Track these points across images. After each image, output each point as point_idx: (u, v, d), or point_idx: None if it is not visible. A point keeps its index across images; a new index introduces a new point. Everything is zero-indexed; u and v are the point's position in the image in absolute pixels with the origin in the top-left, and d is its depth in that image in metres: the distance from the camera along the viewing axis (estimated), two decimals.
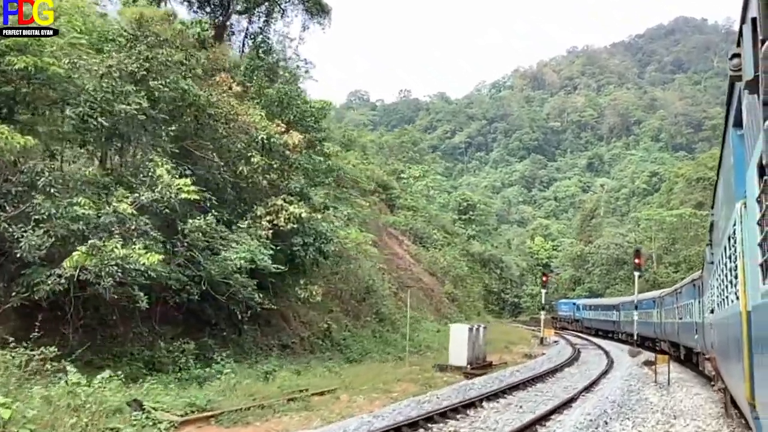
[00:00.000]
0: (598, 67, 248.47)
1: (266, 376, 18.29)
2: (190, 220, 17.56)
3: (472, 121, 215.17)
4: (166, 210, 16.81)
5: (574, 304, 76.33)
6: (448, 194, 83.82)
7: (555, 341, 46.50)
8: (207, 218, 17.94)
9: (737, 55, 4.43)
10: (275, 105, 26.52)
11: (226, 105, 21.20)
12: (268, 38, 39.94)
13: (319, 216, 24.27)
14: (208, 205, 18.61)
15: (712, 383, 16.80)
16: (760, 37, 3.22)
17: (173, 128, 18.55)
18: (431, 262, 55.81)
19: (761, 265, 4.43)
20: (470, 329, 24.55)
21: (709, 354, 16.08)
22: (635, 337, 40.44)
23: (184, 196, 16.58)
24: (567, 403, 16.38)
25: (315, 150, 30.29)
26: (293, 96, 28.02)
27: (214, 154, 20.40)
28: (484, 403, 16.07)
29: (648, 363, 29.63)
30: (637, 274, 40.15)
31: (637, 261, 40.25)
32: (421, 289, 50.40)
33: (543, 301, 43.77)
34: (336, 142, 64.37)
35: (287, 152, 23.51)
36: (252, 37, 39.99)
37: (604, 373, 24.93)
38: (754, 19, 3.62)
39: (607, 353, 36.22)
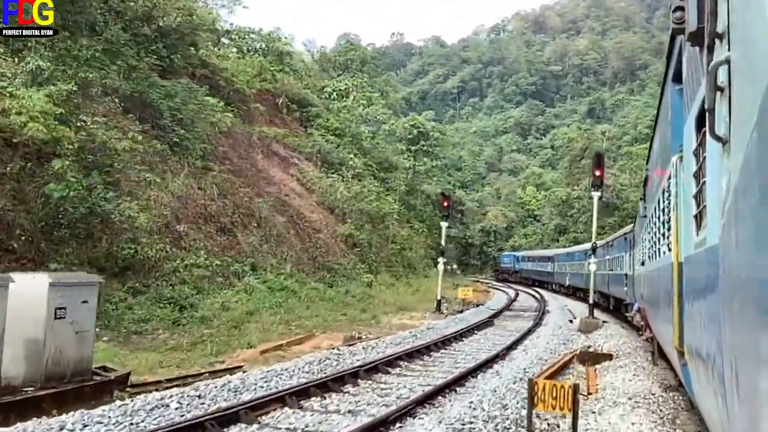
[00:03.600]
0: (604, 9, 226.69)
1: None
2: None
3: (467, 65, 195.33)
4: None
5: (515, 256, 74.84)
6: (396, 119, 65.96)
7: (477, 304, 29.69)
8: None
9: (680, 8, 3.93)
10: None
11: None
12: None
13: None
14: None
15: (640, 333, 16.18)
16: None
17: None
18: (327, 193, 38.78)
19: (695, 217, 4.37)
20: None
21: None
22: (591, 298, 23.93)
23: None
24: None
25: None
26: None
27: None
28: None
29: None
30: (596, 195, 23.19)
31: (597, 173, 23.31)
32: (294, 226, 33.51)
33: (443, 243, 26.39)
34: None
35: None
36: None
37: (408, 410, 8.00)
38: None
39: (529, 330, 19.41)
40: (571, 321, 24.81)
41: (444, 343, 16.01)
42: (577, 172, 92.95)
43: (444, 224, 25.84)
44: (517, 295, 44.99)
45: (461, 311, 26.91)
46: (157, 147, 26.28)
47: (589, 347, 16.88)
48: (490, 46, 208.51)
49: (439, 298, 25.30)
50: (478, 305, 29.87)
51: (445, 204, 25.86)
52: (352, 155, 46.01)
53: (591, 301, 23.72)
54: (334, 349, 14.44)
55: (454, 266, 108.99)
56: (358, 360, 12.61)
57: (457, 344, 16.48)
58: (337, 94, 53.51)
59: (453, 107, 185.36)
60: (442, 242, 26.08)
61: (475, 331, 19.44)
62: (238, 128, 36.75)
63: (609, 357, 14.91)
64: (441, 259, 26.00)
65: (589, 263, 24.01)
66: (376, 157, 57.88)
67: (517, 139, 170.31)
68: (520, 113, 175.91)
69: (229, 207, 28.89)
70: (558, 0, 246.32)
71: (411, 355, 13.62)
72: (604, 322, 25.27)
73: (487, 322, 22.31)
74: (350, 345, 15.24)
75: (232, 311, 20.63)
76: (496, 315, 25.75)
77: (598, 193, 23.62)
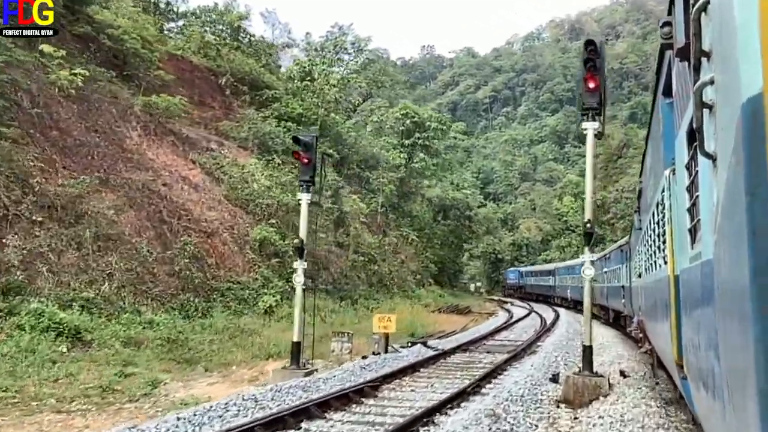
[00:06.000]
0: (644, 13, 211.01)
1: None
2: None
3: (499, 73, 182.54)
4: None
5: (519, 271, 73.41)
6: (386, 110, 54.18)
7: (408, 344, 17.61)
8: None
9: (668, 24, 4.08)
10: None
11: None
12: None
13: None
14: None
15: (639, 345, 14.99)
16: (691, 1, 2.89)
17: None
18: (240, 183, 27.25)
19: (690, 231, 4.23)
20: None
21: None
22: (587, 327, 11.23)
23: None
24: None
25: None
26: None
27: None
28: None
29: None
30: (591, 128, 10.68)
31: (591, 85, 10.82)
32: (156, 227, 22.08)
33: (302, 236, 13.48)
34: None
35: None
36: None
37: None
38: None
39: (420, 419, 7.14)
40: (553, 379, 12.49)
41: None
42: (614, 173, 79.32)
43: (305, 196, 13.24)
44: (523, 318, 32.51)
45: (365, 357, 14.84)
46: None
47: None
48: (523, 53, 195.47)
49: (296, 339, 12.90)
50: (415, 343, 17.68)
51: (306, 161, 13.30)
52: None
53: (588, 340, 11.35)
54: None
55: (479, 284, 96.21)
56: None
57: None
58: (299, 74, 42.17)
59: (485, 118, 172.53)
60: (301, 232, 13.38)
61: None
62: (109, 95, 25.79)
63: None
64: (299, 264, 13.27)
65: (583, 264, 11.76)
66: (360, 153, 46.27)
67: (554, 147, 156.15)
68: (556, 121, 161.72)
69: (15, 194, 17.64)
70: (595, 6, 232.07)
71: None
72: (623, 375, 13.02)
73: (353, 395, 10.24)
74: None
75: None
76: (426, 362, 13.68)
77: (595, 124, 11.35)
